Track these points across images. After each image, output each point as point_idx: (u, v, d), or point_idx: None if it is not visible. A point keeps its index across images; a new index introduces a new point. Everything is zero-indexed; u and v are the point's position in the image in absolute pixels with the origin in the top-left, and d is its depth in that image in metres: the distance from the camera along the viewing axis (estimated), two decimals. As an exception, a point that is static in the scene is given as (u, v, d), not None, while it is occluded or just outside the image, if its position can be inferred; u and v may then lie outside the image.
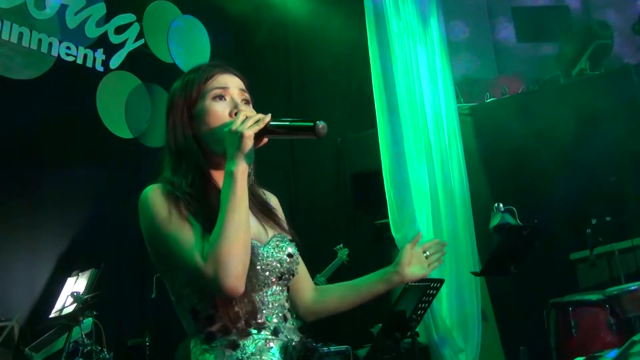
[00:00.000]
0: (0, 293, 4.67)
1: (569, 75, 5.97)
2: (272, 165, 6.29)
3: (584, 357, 3.59)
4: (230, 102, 1.57)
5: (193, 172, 1.56)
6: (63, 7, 5.12)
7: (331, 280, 4.91)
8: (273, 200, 1.79)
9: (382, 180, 4.93)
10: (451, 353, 4.91)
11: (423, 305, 4.13)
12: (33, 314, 4.75)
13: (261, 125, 1.46)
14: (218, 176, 1.58)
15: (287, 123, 1.50)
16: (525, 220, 4.78)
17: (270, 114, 1.50)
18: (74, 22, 5.19)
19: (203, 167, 1.57)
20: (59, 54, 5.07)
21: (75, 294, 4.30)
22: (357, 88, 6.23)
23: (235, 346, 1.47)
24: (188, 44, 5.97)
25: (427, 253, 1.85)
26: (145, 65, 5.72)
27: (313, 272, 4.80)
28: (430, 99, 5.43)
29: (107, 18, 5.42)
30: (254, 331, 1.50)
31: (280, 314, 1.55)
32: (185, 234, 1.44)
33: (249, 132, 1.43)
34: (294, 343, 1.53)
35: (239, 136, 1.43)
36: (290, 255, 1.59)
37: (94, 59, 5.31)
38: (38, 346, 4.41)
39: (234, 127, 1.45)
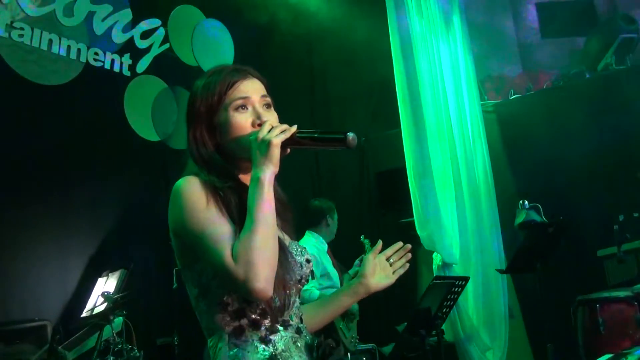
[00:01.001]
0: (34, 294, 4.73)
1: (594, 70, 5.90)
2: (296, 165, 6.31)
3: (611, 355, 3.57)
4: (252, 112, 1.54)
5: (222, 175, 1.53)
6: (90, 14, 5.16)
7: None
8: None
9: (406, 179, 4.93)
10: (478, 351, 4.91)
11: (448, 302, 4.13)
12: (65, 313, 4.80)
13: (287, 134, 1.44)
14: (245, 179, 1.56)
15: (315, 135, 1.47)
16: (550, 217, 4.76)
17: (296, 125, 1.48)
18: (101, 28, 5.24)
19: (228, 173, 1.55)
20: (87, 60, 5.11)
21: (105, 293, 4.33)
22: (381, 87, 6.21)
23: (267, 341, 1.46)
24: (212, 46, 5.98)
25: (392, 260, 1.79)
26: (171, 68, 5.73)
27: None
28: (453, 97, 5.42)
29: (133, 23, 5.45)
30: (281, 328, 1.49)
31: (299, 315, 1.56)
32: (219, 229, 1.42)
33: (277, 140, 1.42)
34: (317, 341, 1.54)
35: (267, 144, 1.41)
36: (308, 261, 1.60)
37: (121, 63, 5.36)
38: (71, 345, 4.45)
39: (261, 135, 1.43)
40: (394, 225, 6.09)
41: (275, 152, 1.42)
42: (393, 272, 1.79)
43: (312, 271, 1.62)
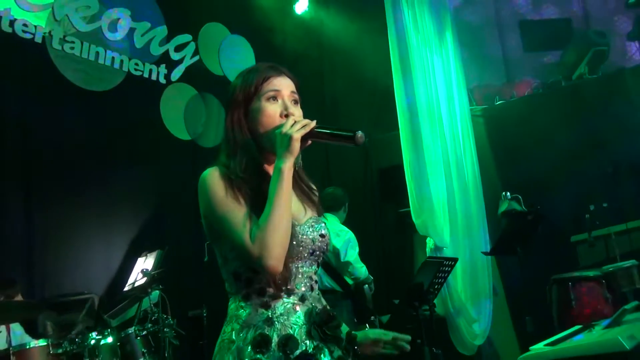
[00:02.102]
0: (83, 271, 4.78)
1: (570, 79, 5.88)
2: (309, 162, 6.32)
3: (581, 326, 3.56)
4: (281, 104, 1.55)
5: (247, 160, 1.55)
6: (132, 30, 5.19)
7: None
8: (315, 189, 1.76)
9: (404, 174, 4.92)
10: (466, 323, 4.89)
11: (439, 280, 4.11)
12: (110, 287, 4.86)
13: (307, 129, 1.46)
14: (268, 167, 1.58)
15: (330, 131, 1.49)
16: (530, 206, 4.75)
17: (315, 120, 1.50)
18: (140, 42, 5.27)
19: (256, 158, 1.56)
20: (128, 69, 5.14)
21: (144, 270, 4.38)
22: (383, 95, 6.19)
23: (267, 306, 1.48)
24: (236, 58, 5.98)
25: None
26: (200, 77, 5.75)
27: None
28: (445, 104, 5.39)
29: (168, 38, 5.47)
30: (284, 295, 1.50)
31: (308, 284, 1.54)
32: (237, 215, 1.45)
33: (297, 135, 1.44)
34: (317, 310, 1.53)
35: (289, 138, 1.44)
36: (322, 236, 1.58)
37: (158, 73, 5.38)
38: (114, 314, 4.48)
39: (284, 130, 1.45)
40: (394, 214, 6.11)
41: (296, 146, 1.45)
42: (383, 347, 1.68)
43: (328, 244, 1.61)
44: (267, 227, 1.40)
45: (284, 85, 1.58)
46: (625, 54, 6.29)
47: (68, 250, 4.72)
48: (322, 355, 1.48)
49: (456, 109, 5.51)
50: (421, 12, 5.34)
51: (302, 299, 1.52)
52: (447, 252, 4.77)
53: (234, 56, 6.01)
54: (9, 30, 4.41)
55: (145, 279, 4.25)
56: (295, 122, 1.47)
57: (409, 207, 4.91)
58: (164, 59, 5.49)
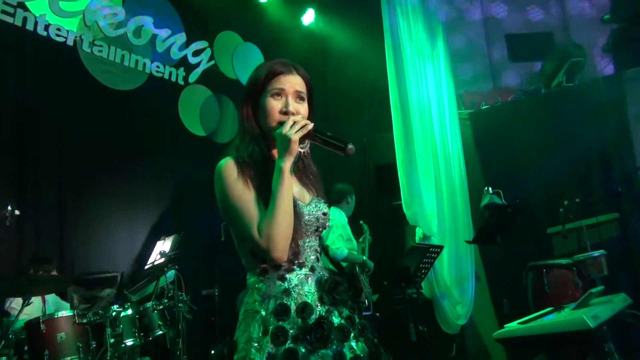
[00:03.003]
0: (110, 252, 4.85)
1: (549, 87, 5.83)
2: (313, 157, 6.34)
3: (553, 307, 3.57)
4: (283, 101, 1.55)
5: (253, 147, 1.57)
6: (154, 36, 5.22)
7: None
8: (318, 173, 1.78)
9: (397, 170, 4.94)
10: (450, 305, 4.89)
11: (425, 265, 4.13)
12: (133, 267, 4.91)
13: (305, 131, 1.47)
14: (274, 152, 1.58)
15: (325, 138, 1.49)
16: (509, 200, 4.74)
17: (313, 124, 1.50)
18: (162, 47, 5.30)
19: (261, 146, 1.58)
20: (150, 71, 5.18)
21: (162, 252, 4.42)
22: (380, 98, 6.17)
23: (283, 279, 1.51)
24: (248, 64, 6.01)
25: None
26: (215, 80, 5.78)
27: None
28: (436, 107, 5.37)
29: (187, 44, 5.51)
30: (297, 268, 1.54)
31: (314, 256, 1.59)
32: (249, 208, 1.47)
33: (295, 137, 1.45)
34: (325, 277, 1.57)
35: (288, 140, 1.45)
36: (324, 214, 1.62)
37: (177, 75, 5.41)
38: (135, 290, 4.54)
39: (283, 132, 1.46)
40: (388, 206, 6.10)
41: (294, 147, 1.46)
42: None
43: (328, 220, 1.64)
44: (272, 224, 1.43)
45: (289, 83, 1.58)
46: (599, 66, 6.24)
47: (95, 234, 4.78)
48: (333, 317, 1.52)
49: (445, 112, 5.49)
50: (415, 24, 5.32)
51: (312, 269, 1.57)
52: (434, 241, 4.77)
53: (246, 61, 6.05)
54: (44, 33, 4.45)
55: (162, 259, 4.27)
56: (294, 123, 1.48)
57: (401, 200, 4.92)
58: (183, 62, 5.52)
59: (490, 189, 4.80)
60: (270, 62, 1.62)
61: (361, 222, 4.95)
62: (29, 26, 4.31)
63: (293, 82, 1.58)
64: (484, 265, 5.40)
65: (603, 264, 4.18)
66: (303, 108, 1.58)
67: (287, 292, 1.51)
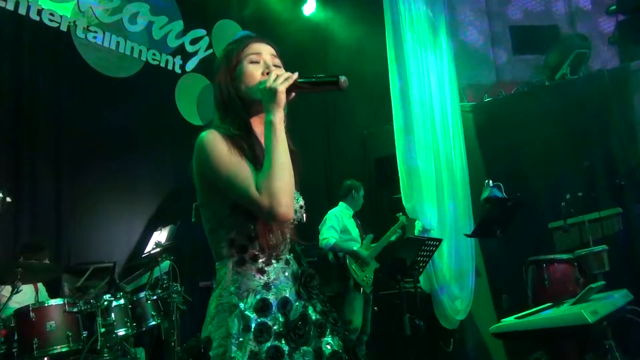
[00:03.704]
0: (108, 243, 4.84)
1: (553, 79, 5.73)
2: (311, 151, 6.29)
3: (552, 303, 3.49)
4: (263, 65, 1.49)
5: (238, 120, 1.48)
6: (150, 23, 5.17)
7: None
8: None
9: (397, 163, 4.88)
10: (449, 299, 4.83)
11: (423, 258, 4.08)
12: (129, 257, 4.91)
13: (291, 81, 1.38)
14: (256, 121, 1.52)
15: (313, 80, 1.40)
16: (510, 193, 4.66)
17: (297, 73, 1.41)
18: (158, 34, 5.25)
19: (244, 116, 1.49)
20: (146, 59, 5.13)
21: (157, 242, 4.40)
22: (381, 91, 6.12)
23: (262, 272, 1.44)
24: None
25: None
26: (213, 69, 5.73)
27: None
28: (438, 99, 5.30)
29: (184, 32, 5.45)
30: (274, 261, 1.47)
31: (287, 250, 1.53)
32: (242, 169, 1.37)
33: (282, 88, 1.37)
34: (299, 271, 1.50)
35: (274, 91, 1.36)
36: (301, 207, 1.55)
37: (174, 63, 5.36)
38: (129, 281, 4.53)
39: (268, 84, 1.38)
40: (388, 199, 6.04)
41: (282, 98, 1.37)
42: None
43: (304, 214, 1.56)
44: (272, 176, 1.33)
45: (264, 49, 1.53)
46: (606, 57, 6.13)
47: (94, 225, 4.77)
48: (310, 312, 1.46)
49: (447, 104, 5.42)
50: (417, 13, 5.24)
51: (287, 262, 1.50)
52: (434, 234, 4.71)
53: (245, 51, 5.96)
54: (37, 18, 4.40)
55: (158, 249, 4.23)
56: (277, 75, 1.40)
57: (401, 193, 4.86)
58: (180, 50, 5.47)
59: (490, 181, 4.73)
60: (238, 36, 1.58)
61: (398, 214, 4.95)
62: (22, 10, 4.26)
63: (268, 49, 1.54)
64: (485, 260, 5.34)
65: (605, 259, 4.12)
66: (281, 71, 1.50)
67: (267, 286, 1.44)
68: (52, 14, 4.51)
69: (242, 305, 1.39)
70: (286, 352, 1.36)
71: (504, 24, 7.00)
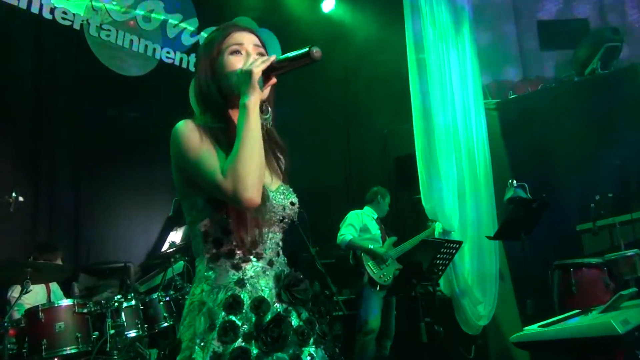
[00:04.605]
0: (125, 244, 4.86)
1: (582, 74, 5.48)
2: (331, 151, 6.20)
3: (579, 310, 3.30)
4: (245, 56, 1.41)
5: (216, 113, 1.42)
6: (164, 21, 5.17)
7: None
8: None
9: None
10: (471, 304, 4.67)
11: (442, 261, 3.93)
12: (145, 258, 4.91)
13: (267, 63, 1.31)
14: (233, 115, 1.44)
15: (287, 58, 1.33)
16: (535, 194, 4.47)
17: (275, 55, 1.35)
18: (173, 32, 5.24)
19: (223, 109, 1.43)
20: (161, 57, 5.13)
21: (171, 242, 4.39)
22: (401, 89, 6.00)
23: (237, 268, 1.35)
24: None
25: None
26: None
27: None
28: (460, 96, 5.13)
29: (199, 30, 5.44)
30: (253, 259, 1.37)
31: (275, 250, 1.43)
32: (211, 157, 1.31)
33: (257, 70, 1.30)
34: (285, 273, 1.40)
35: (249, 73, 1.30)
36: (292, 204, 1.45)
37: (188, 61, 5.35)
38: (143, 281, 4.56)
39: (244, 67, 1.33)
40: (408, 199, 5.90)
41: (257, 79, 1.30)
42: None
43: (298, 213, 1.47)
44: (238, 159, 1.26)
45: (246, 39, 1.45)
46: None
47: (112, 226, 4.81)
48: (292, 318, 1.36)
49: (470, 101, 5.25)
50: (438, 7, 5.08)
51: (270, 263, 1.40)
52: (455, 236, 4.57)
53: (261, 48, 5.91)
54: (49, 17, 4.40)
55: (172, 249, 4.21)
56: (255, 59, 1.33)
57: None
58: (194, 48, 5.44)
59: (514, 181, 4.54)
60: (220, 25, 1.50)
61: (430, 222, 4.84)
62: (34, 9, 4.26)
63: (250, 38, 1.46)
64: (510, 264, 5.15)
65: (637, 263, 3.89)
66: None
67: (240, 282, 1.34)
68: (65, 12, 4.52)
69: (210, 302, 1.31)
70: (254, 356, 1.26)
71: (531, 19, 6.75)
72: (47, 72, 4.50)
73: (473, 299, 4.71)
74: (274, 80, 1.36)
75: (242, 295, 1.32)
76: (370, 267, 4.45)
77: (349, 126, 6.65)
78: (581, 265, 3.93)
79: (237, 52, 1.42)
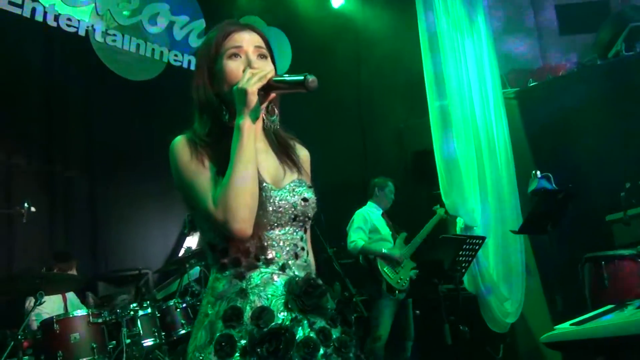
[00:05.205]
0: (143, 251, 4.84)
1: (605, 57, 5.26)
2: (347, 146, 6.09)
3: (614, 305, 3.12)
4: (244, 60, 1.34)
5: (211, 123, 1.36)
6: (171, 23, 5.12)
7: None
8: (302, 152, 1.51)
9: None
10: (497, 301, 4.52)
11: (465, 258, 3.79)
12: (162, 264, 4.81)
13: (264, 81, 1.26)
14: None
15: (283, 79, 1.29)
16: (561, 184, 4.29)
17: (273, 70, 1.31)
18: (180, 34, 5.19)
19: (222, 119, 1.35)
20: (168, 60, 5.08)
21: (187, 248, 4.34)
22: (417, 81, 5.85)
23: (241, 277, 1.28)
24: (273, 50, 5.84)
25: None
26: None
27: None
28: (477, 87, 4.98)
29: (206, 31, 5.35)
30: (262, 265, 1.29)
31: (291, 252, 1.33)
32: (201, 179, 1.27)
33: (253, 89, 1.25)
34: (297, 279, 1.30)
35: (244, 92, 1.25)
36: (305, 200, 1.35)
37: (197, 63, 5.31)
38: (160, 288, 4.55)
39: (240, 85, 1.26)
40: (426, 195, 5.76)
41: (253, 100, 1.25)
42: None
43: (314, 208, 1.38)
44: (229, 189, 1.22)
45: (246, 40, 1.37)
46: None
47: (129, 234, 4.79)
48: (299, 328, 1.26)
49: (489, 92, 5.10)
50: (452, -5, 4.93)
51: (283, 268, 1.31)
52: (478, 231, 4.42)
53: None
54: (54, 24, 4.38)
55: (187, 255, 4.18)
56: (252, 75, 1.26)
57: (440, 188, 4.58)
58: (203, 50, 5.35)
59: (538, 172, 4.38)
60: (219, 25, 1.43)
61: (435, 207, 4.72)
62: (38, 17, 4.24)
63: (250, 39, 1.37)
64: (537, 258, 4.96)
65: (674, 254, 3.67)
66: (269, 67, 1.35)
67: (242, 292, 1.27)
68: (69, 19, 4.50)
69: (212, 314, 1.27)
70: None
71: (549, 3, 6.54)
72: (58, 82, 4.50)
73: (499, 295, 4.57)
74: (272, 96, 1.31)
75: (242, 306, 1.25)
76: (387, 272, 4.23)
77: (363, 122, 6.53)
78: (613, 257, 3.74)
79: (235, 55, 1.35)
